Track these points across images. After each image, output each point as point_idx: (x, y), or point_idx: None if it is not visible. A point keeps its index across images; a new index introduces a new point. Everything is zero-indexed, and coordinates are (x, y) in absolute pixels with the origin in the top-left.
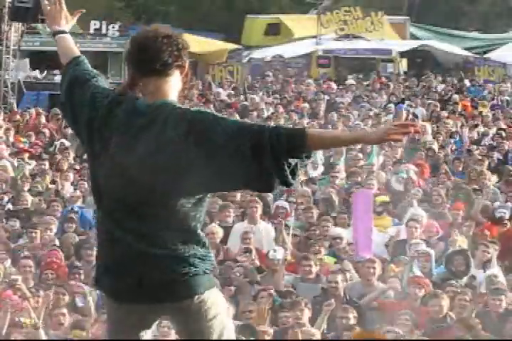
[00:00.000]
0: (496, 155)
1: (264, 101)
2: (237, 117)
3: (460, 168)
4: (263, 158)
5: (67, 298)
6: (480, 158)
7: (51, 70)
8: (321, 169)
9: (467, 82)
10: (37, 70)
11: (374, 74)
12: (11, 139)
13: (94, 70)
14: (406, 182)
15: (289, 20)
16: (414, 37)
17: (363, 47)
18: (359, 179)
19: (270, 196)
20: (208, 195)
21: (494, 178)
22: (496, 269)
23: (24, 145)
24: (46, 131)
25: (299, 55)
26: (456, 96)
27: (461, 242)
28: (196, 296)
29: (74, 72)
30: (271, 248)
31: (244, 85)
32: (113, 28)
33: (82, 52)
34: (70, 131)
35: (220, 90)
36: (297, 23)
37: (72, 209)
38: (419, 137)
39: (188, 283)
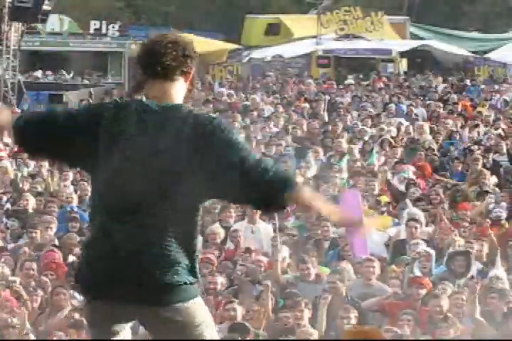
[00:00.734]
0: (495, 156)
1: (264, 101)
2: (238, 117)
3: (459, 168)
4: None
5: (67, 298)
6: (476, 157)
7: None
8: (314, 169)
9: (467, 82)
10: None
11: (374, 74)
12: (9, 140)
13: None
14: (407, 182)
15: (289, 20)
16: (414, 37)
17: (363, 47)
18: (361, 179)
19: None
20: (204, 204)
21: (493, 179)
22: (499, 270)
23: None
24: None
25: (299, 55)
26: (454, 96)
27: (461, 243)
28: (175, 305)
29: (28, 120)
30: (270, 248)
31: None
32: (113, 28)
33: (82, 52)
34: None
35: (223, 90)
36: (297, 23)
37: (72, 209)
38: (418, 137)
39: (171, 290)
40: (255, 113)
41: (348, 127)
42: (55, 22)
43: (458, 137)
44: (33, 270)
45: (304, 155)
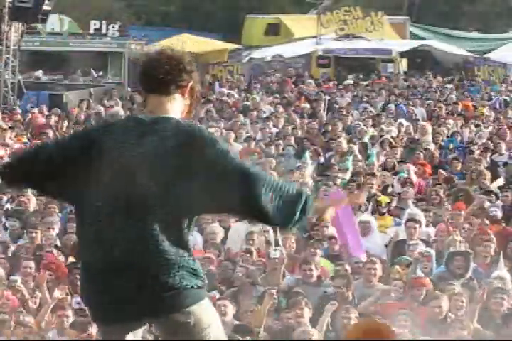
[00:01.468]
0: (494, 156)
1: (264, 101)
2: (241, 117)
3: (459, 168)
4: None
5: (68, 298)
6: (477, 157)
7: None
8: (310, 168)
9: (467, 82)
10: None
11: (374, 74)
12: (7, 140)
13: None
14: (403, 181)
15: (289, 20)
16: (414, 37)
17: (363, 47)
18: (361, 179)
19: None
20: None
21: (501, 181)
22: (503, 271)
23: (24, 145)
24: (50, 131)
25: (299, 55)
26: (453, 96)
27: (461, 243)
28: (184, 309)
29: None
30: (270, 249)
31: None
32: (113, 28)
33: (82, 52)
34: (70, 131)
35: (223, 90)
36: (297, 23)
37: (71, 210)
38: (419, 137)
39: (177, 296)
40: (255, 113)
41: (348, 127)
42: (55, 22)
43: (459, 137)
44: (30, 268)
45: (302, 155)
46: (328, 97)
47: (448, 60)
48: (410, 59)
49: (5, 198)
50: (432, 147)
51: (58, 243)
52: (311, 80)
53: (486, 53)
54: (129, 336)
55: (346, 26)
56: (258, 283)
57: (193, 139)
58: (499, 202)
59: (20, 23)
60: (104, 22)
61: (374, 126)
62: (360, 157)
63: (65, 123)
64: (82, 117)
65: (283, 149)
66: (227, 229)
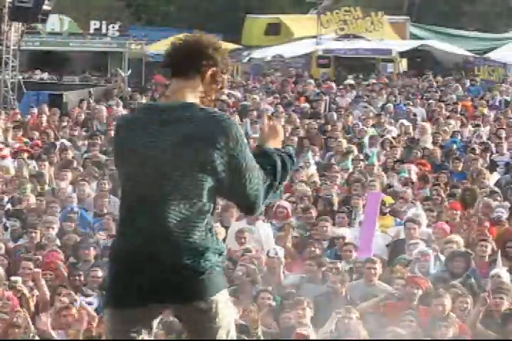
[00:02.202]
0: (494, 156)
1: (264, 101)
2: (236, 118)
3: (459, 168)
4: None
5: (68, 298)
6: (476, 157)
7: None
8: (314, 168)
9: (467, 82)
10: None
11: (374, 74)
12: (10, 139)
13: None
14: (404, 181)
15: (289, 20)
16: (414, 37)
17: (363, 47)
18: (362, 179)
19: None
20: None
21: (496, 176)
22: (501, 270)
23: (25, 145)
24: (50, 131)
25: (299, 55)
26: (453, 96)
27: (460, 243)
28: (207, 298)
29: None
30: (270, 247)
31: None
32: (113, 28)
33: (82, 52)
34: (71, 131)
35: (224, 90)
36: (297, 23)
37: (72, 209)
38: (419, 137)
39: (201, 283)
40: (255, 113)
41: (349, 127)
42: (55, 22)
43: (459, 137)
44: (29, 269)
45: (304, 154)
46: (327, 97)
47: (448, 59)
48: (410, 59)
49: (6, 198)
50: (431, 147)
51: (58, 243)
52: (311, 80)
53: (486, 53)
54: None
55: (346, 26)
56: (258, 282)
57: (223, 132)
58: (507, 204)
59: (20, 23)
60: (104, 22)
61: (374, 126)
62: (362, 157)
63: (65, 123)
64: (83, 117)
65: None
66: (227, 228)
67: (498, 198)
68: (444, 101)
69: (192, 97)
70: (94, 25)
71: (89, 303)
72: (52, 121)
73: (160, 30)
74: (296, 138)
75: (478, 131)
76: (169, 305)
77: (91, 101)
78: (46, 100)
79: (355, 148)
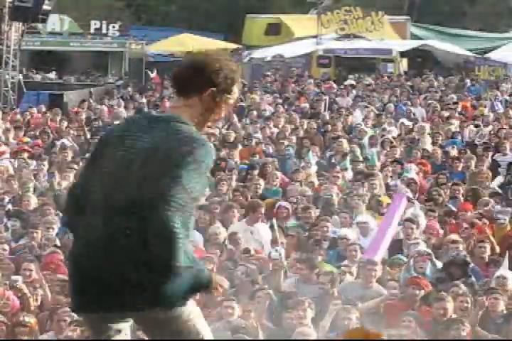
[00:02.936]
0: (496, 155)
1: (264, 101)
2: (235, 118)
3: (459, 168)
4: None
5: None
6: (477, 157)
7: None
8: (314, 168)
9: (468, 82)
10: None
11: (374, 74)
12: (11, 139)
13: None
14: (408, 181)
15: (289, 20)
16: (414, 37)
17: (364, 47)
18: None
19: None
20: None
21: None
22: (506, 271)
23: (26, 145)
24: (50, 131)
25: (299, 54)
26: (453, 96)
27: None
28: (173, 308)
29: None
30: (271, 249)
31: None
32: (113, 28)
33: (82, 52)
34: (71, 131)
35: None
36: (297, 23)
37: None
38: (418, 137)
39: (165, 292)
40: (255, 113)
41: (349, 127)
42: (55, 22)
43: (459, 137)
44: (30, 271)
45: (304, 154)
46: (327, 97)
47: (448, 59)
48: (410, 59)
49: (6, 199)
50: (429, 147)
51: (58, 243)
52: (311, 80)
53: (486, 53)
54: (111, 328)
55: (347, 26)
56: (258, 282)
57: (190, 149)
58: (509, 209)
59: (21, 23)
60: (104, 22)
61: (374, 126)
62: (361, 157)
63: (65, 123)
64: (84, 117)
65: (284, 149)
66: (227, 229)
67: (498, 200)
68: (444, 102)
69: (187, 115)
70: (94, 25)
71: None
72: (55, 121)
73: (160, 30)
74: (296, 138)
75: (480, 131)
76: (129, 313)
77: (91, 101)
78: (46, 100)
79: (357, 149)
